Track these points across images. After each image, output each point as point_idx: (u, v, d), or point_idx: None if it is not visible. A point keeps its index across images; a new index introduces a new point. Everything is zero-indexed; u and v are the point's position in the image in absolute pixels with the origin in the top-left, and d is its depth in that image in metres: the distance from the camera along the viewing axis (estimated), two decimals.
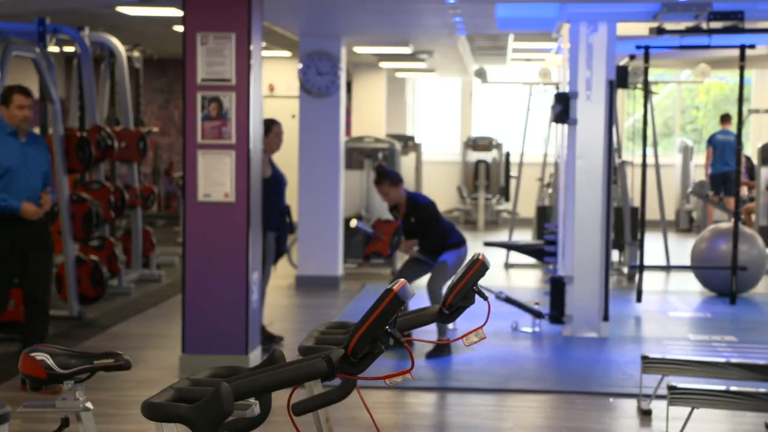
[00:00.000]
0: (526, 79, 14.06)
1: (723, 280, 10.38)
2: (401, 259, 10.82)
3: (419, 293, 8.07)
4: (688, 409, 5.46)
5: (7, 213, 6.63)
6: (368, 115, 17.53)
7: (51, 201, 6.83)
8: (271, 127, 7.98)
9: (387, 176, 8.00)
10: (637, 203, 11.56)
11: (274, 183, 7.95)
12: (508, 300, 8.80)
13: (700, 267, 11.18)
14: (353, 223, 9.43)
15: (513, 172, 14.32)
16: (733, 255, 9.77)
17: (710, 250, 10.72)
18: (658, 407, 6.26)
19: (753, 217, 14.42)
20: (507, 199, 15.29)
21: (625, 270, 12.27)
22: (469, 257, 3.55)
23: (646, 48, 9.55)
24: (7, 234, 6.67)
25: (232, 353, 7.10)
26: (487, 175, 18.56)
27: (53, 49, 10.30)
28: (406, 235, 8.19)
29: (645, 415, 6.33)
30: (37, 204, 6.73)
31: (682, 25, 9.08)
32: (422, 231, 8.06)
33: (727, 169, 15.31)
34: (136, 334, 8.75)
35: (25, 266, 6.77)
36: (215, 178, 7.09)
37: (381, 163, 12.32)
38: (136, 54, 12.68)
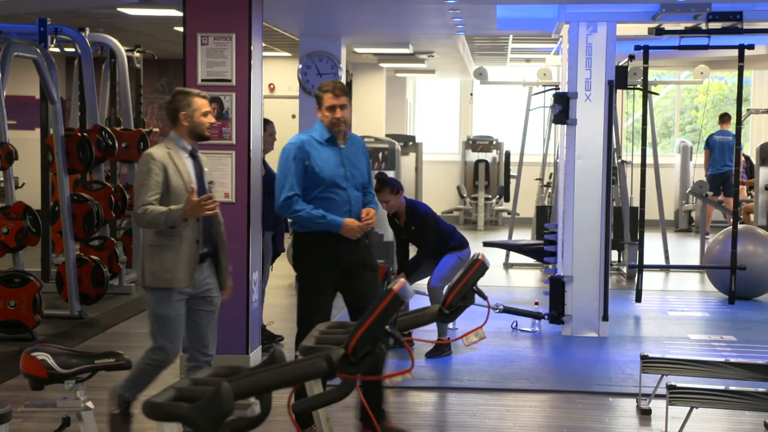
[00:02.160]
0: (526, 80, 14.06)
1: (737, 283, 10.12)
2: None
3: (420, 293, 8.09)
4: (688, 408, 5.48)
5: (327, 232, 5.62)
6: (368, 115, 17.54)
7: (374, 214, 5.77)
8: (264, 127, 7.98)
9: (388, 184, 8.00)
10: (636, 203, 11.56)
11: (268, 183, 7.95)
12: (507, 310, 8.82)
13: (699, 267, 11.16)
14: None
15: (513, 172, 14.32)
16: (732, 255, 9.76)
17: (724, 252, 10.56)
18: (657, 407, 6.27)
19: (752, 217, 14.42)
20: (507, 199, 15.29)
21: (625, 270, 12.28)
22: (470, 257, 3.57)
23: (646, 48, 9.55)
24: (331, 257, 5.65)
25: (232, 353, 7.11)
26: (486, 175, 18.57)
27: (54, 49, 10.32)
28: (406, 241, 8.22)
29: (644, 414, 6.34)
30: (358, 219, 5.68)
31: (681, 26, 9.09)
32: (423, 238, 8.07)
33: (726, 169, 15.32)
34: (137, 333, 8.75)
35: (351, 299, 5.78)
36: (215, 178, 7.10)
37: (381, 167, 12.32)
38: (136, 54, 12.69)
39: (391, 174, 11.31)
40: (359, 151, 5.82)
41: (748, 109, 16.70)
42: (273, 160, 8.28)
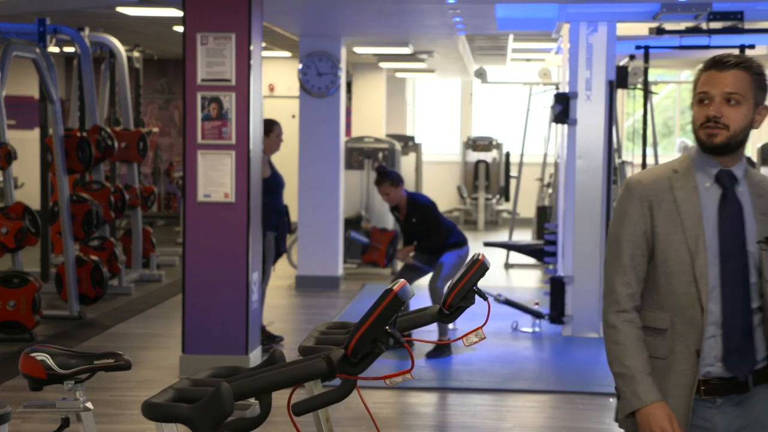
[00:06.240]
0: (526, 79, 14.05)
1: None
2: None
3: (420, 293, 8.08)
4: None
5: None
6: (368, 115, 17.53)
7: None
8: (272, 128, 7.99)
9: (388, 177, 8.02)
10: None
11: (273, 183, 7.97)
12: (508, 302, 8.81)
13: None
14: (348, 234, 9.47)
15: (513, 172, 14.31)
16: None
17: None
18: None
19: None
20: (507, 199, 15.29)
21: None
22: (470, 257, 3.56)
23: (646, 48, 9.54)
24: None
25: (232, 353, 7.10)
26: (487, 175, 18.56)
27: (53, 49, 10.31)
28: (407, 235, 8.21)
29: None
30: None
31: (681, 25, 9.08)
32: (423, 231, 8.07)
33: None
34: (137, 334, 8.75)
35: None
36: (215, 178, 7.10)
37: (381, 163, 12.33)
38: (136, 54, 12.69)
39: None
40: None
41: None
42: (277, 160, 8.31)
